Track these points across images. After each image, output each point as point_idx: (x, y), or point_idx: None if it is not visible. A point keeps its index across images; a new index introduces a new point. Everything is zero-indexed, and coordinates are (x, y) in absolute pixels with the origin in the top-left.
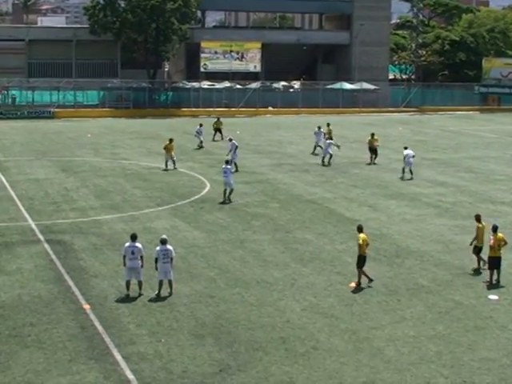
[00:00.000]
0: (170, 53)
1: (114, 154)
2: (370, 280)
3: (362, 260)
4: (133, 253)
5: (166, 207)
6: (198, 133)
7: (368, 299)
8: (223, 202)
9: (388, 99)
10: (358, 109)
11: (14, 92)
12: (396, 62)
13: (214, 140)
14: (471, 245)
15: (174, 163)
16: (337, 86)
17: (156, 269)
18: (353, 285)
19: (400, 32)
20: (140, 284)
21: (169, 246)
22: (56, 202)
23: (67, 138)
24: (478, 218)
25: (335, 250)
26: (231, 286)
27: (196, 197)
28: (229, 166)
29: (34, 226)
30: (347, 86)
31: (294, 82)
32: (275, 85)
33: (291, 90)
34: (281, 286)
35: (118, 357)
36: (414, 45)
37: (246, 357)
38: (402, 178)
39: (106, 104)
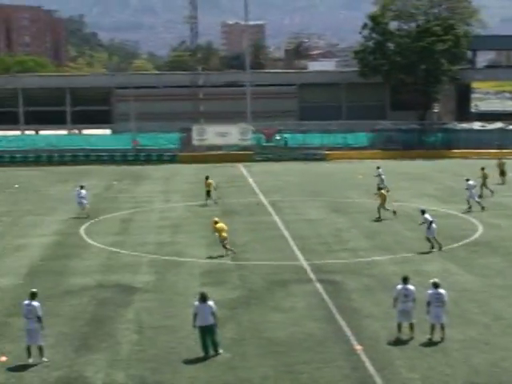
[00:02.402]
0: (439, 94)
1: None
2: None
3: None
4: (405, 295)
5: (438, 250)
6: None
7: None
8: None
9: None
10: None
11: (286, 135)
12: None
13: (502, 183)
14: None
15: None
16: None
17: (427, 312)
18: None
19: None
20: (412, 327)
21: (441, 290)
22: (327, 242)
23: (338, 179)
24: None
25: None
26: (507, 334)
27: (468, 240)
28: None
29: (306, 266)
30: None
31: None
32: None
33: None
34: None
35: None
36: None
37: None
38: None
39: (376, 145)
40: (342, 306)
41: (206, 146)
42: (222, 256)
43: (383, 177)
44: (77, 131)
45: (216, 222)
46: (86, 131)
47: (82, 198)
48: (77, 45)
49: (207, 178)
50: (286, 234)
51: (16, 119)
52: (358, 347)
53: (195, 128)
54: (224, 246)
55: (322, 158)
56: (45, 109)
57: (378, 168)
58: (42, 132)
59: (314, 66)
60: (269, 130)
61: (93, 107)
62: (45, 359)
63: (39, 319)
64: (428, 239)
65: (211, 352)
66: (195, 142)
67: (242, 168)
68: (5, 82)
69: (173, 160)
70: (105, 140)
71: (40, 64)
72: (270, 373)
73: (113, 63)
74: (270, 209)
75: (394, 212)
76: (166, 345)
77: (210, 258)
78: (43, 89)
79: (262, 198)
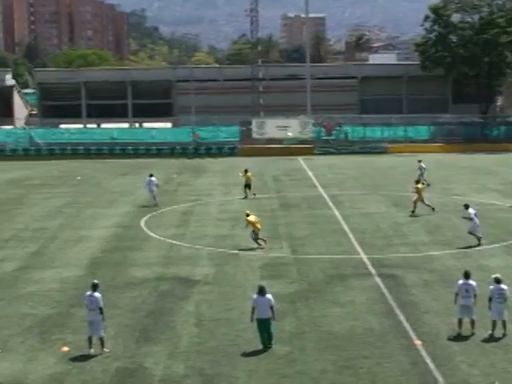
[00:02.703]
0: (502, 86)
1: (445, 190)
2: None
3: None
4: (467, 290)
5: (500, 245)
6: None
7: None
8: None
9: None
10: None
11: (346, 128)
12: None
13: None
14: None
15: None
16: None
17: (489, 308)
18: None
19: None
20: (473, 323)
21: (503, 285)
22: (387, 236)
23: (399, 172)
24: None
25: None
26: None
27: None
28: None
29: (365, 260)
30: None
31: None
32: None
33: None
34: None
35: None
36: None
37: None
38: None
39: (437, 139)
40: (402, 300)
41: (266, 139)
42: (280, 248)
43: (424, 171)
44: (137, 124)
45: (248, 215)
46: (146, 124)
47: (153, 185)
48: (138, 38)
49: (246, 171)
50: (346, 227)
51: (78, 112)
52: (418, 342)
53: (255, 121)
54: (257, 238)
55: (383, 152)
56: (106, 102)
57: (420, 161)
58: (103, 125)
59: (375, 58)
60: (329, 124)
61: (154, 100)
62: (106, 350)
63: (101, 310)
64: (470, 233)
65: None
66: (255, 135)
67: (301, 161)
68: (68, 76)
69: (232, 153)
70: (165, 133)
71: (102, 57)
72: (329, 367)
73: (174, 56)
74: (330, 202)
75: (413, 212)
76: (224, 337)
77: (269, 251)
78: (105, 82)
79: (321, 191)
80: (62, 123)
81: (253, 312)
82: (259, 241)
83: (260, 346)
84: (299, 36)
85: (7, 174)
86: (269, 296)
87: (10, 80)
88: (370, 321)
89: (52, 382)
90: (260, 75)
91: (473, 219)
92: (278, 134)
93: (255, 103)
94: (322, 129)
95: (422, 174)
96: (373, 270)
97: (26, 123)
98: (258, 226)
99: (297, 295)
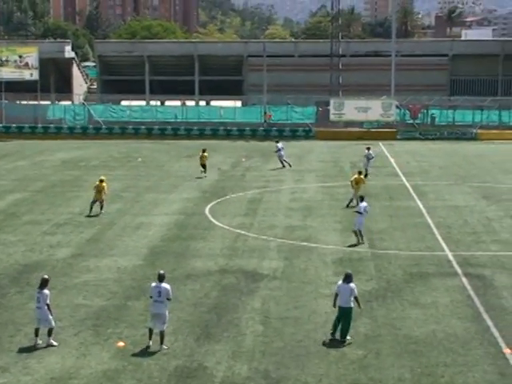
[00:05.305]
0: None
1: None
2: None
3: None
4: None
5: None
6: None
7: None
8: None
9: None
10: None
11: (433, 111)
12: None
13: None
14: None
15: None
16: None
17: None
18: None
19: None
20: None
21: None
22: (476, 232)
23: (490, 162)
24: None
25: None
26: None
27: None
28: None
29: (450, 257)
30: None
31: None
32: None
33: None
34: None
35: None
36: None
37: None
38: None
39: None
40: (490, 303)
41: (344, 122)
42: (355, 245)
43: (372, 160)
44: (204, 103)
45: (101, 181)
46: (214, 103)
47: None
48: (208, 9)
49: (204, 150)
50: (430, 221)
51: (141, 89)
52: (507, 351)
53: (333, 101)
54: (100, 205)
55: (473, 138)
56: (171, 78)
57: (368, 149)
58: (167, 103)
59: (469, 34)
60: (414, 106)
61: (223, 77)
62: (164, 347)
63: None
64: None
65: (337, 335)
66: (332, 117)
67: (383, 147)
68: (130, 49)
69: (307, 136)
70: (234, 113)
71: (168, 29)
72: (406, 374)
73: (245, 29)
74: (413, 193)
75: (348, 205)
76: (292, 337)
77: (344, 244)
78: (170, 56)
79: (403, 180)
80: (122, 100)
81: (335, 299)
82: (95, 206)
83: (331, 349)
84: (384, 9)
85: (63, 154)
86: (352, 285)
87: (69, 52)
88: (453, 325)
89: (105, 379)
90: (340, 51)
91: (360, 214)
92: (358, 117)
93: (334, 82)
94: (407, 111)
95: (367, 164)
96: (458, 269)
97: (85, 99)
98: (99, 195)
99: (373, 294)
